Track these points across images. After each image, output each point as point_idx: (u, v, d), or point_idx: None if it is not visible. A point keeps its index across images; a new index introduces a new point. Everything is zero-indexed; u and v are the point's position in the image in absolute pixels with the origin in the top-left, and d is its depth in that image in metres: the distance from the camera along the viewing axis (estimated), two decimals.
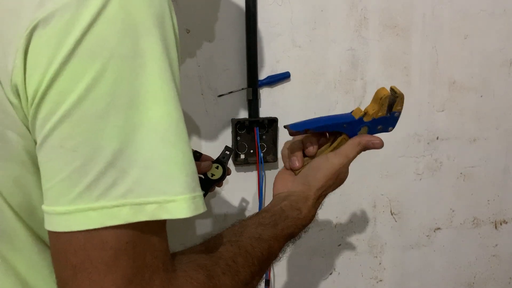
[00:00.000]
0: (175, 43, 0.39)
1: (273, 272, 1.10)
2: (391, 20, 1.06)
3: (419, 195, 1.17)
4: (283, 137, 1.01)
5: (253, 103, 0.99)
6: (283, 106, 1.02)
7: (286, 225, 0.55)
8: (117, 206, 0.35)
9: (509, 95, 1.17)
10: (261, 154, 0.99)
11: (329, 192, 0.61)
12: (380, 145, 0.61)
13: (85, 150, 0.35)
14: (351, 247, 1.15)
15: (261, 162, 0.99)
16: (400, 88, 0.60)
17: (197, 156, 0.83)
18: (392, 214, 1.16)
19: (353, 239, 1.15)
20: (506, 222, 1.25)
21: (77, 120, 0.34)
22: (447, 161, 1.17)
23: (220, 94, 0.98)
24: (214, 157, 0.83)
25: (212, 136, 1.00)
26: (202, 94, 0.98)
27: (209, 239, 0.49)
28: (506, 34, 1.14)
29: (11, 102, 0.36)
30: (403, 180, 1.15)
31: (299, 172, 0.62)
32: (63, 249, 0.35)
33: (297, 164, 0.62)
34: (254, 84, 0.98)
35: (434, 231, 1.20)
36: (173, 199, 0.36)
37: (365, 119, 0.61)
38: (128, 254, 0.35)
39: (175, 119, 0.37)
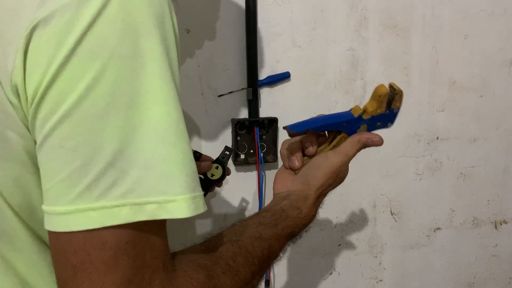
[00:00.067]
0: (175, 43, 0.39)
1: (273, 272, 1.10)
2: (391, 20, 1.06)
3: (419, 195, 1.17)
4: (283, 137, 1.01)
5: (253, 103, 0.99)
6: (283, 106, 1.02)
7: (286, 224, 0.55)
8: (117, 206, 0.35)
9: (509, 95, 1.17)
10: (261, 154, 0.99)
11: (330, 190, 0.60)
12: (379, 142, 0.60)
13: (85, 150, 0.35)
14: (351, 247, 1.15)
15: (261, 162, 0.99)
16: (400, 88, 0.60)
17: (197, 156, 0.83)
18: (392, 214, 1.16)
19: (353, 239, 1.15)
20: (506, 222, 1.25)
21: (77, 120, 0.34)
22: (447, 161, 1.17)
23: (220, 94, 0.98)
24: (214, 157, 0.83)
25: (212, 136, 1.00)
26: (202, 94, 0.98)
27: (209, 239, 0.49)
28: (506, 34, 1.14)
29: (11, 102, 0.36)
30: (403, 180, 1.15)
31: (299, 171, 0.62)
32: (63, 249, 0.35)
33: (296, 164, 0.62)
34: (254, 84, 0.98)
35: (434, 231, 1.20)
36: (173, 199, 0.36)
37: (364, 117, 0.60)
38: (128, 254, 0.35)
39: (175, 119, 0.37)
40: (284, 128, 0.59)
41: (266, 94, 1.01)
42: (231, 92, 0.98)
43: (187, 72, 0.96)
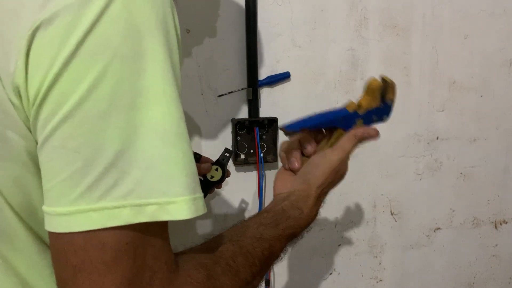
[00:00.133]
0: (177, 43, 0.39)
1: (273, 272, 1.10)
2: (391, 20, 1.06)
3: (419, 195, 1.17)
4: (283, 137, 1.01)
5: (253, 103, 0.99)
6: (283, 106, 1.02)
7: (287, 225, 0.55)
8: (118, 207, 0.35)
9: (509, 95, 1.17)
10: (261, 154, 0.99)
11: (330, 188, 0.60)
12: (376, 135, 0.60)
13: (87, 151, 0.35)
14: (351, 247, 1.15)
15: (261, 162, 0.99)
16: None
17: (197, 158, 0.83)
18: (392, 214, 1.16)
19: (353, 239, 1.15)
20: (506, 222, 1.25)
21: (78, 121, 0.34)
22: (447, 161, 1.17)
23: (220, 94, 0.98)
24: (214, 158, 0.83)
25: (212, 136, 1.00)
26: (202, 94, 0.98)
27: (210, 239, 0.49)
28: (506, 34, 1.14)
29: (12, 103, 0.36)
30: (403, 180, 1.15)
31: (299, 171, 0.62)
32: (63, 250, 0.35)
33: (296, 165, 0.62)
34: (254, 84, 0.98)
35: (434, 231, 1.20)
36: (174, 200, 0.36)
37: (359, 112, 0.60)
38: (129, 255, 0.35)
39: (176, 120, 0.37)
40: (280, 129, 0.59)
41: (266, 94, 1.01)
42: (231, 92, 0.98)
43: (187, 72, 0.96)
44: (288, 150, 0.63)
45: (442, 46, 1.10)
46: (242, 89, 0.99)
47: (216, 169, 0.81)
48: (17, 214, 0.42)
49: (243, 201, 1.05)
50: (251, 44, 0.96)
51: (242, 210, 1.05)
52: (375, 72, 1.06)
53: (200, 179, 0.79)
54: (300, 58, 1.02)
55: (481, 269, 1.26)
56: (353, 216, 1.14)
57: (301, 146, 0.63)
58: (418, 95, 1.11)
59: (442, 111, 1.14)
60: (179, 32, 0.40)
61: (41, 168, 0.37)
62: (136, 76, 0.35)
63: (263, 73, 1.00)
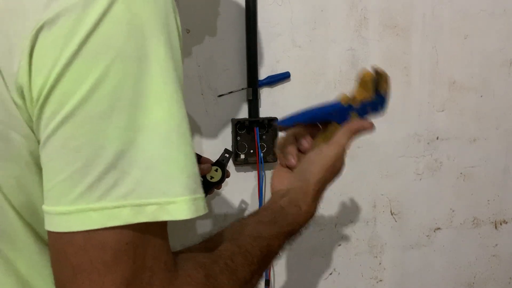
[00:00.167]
0: (179, 44, 0.40)
1: (273, 272, 1.10)
2: (391, 20, 1.06)
3: (419, 195, 1.17)
4: None
5: (253, 103, 0.99)
6: (283, 106, 1.02)
7: (286, 222, 0.54)
8: (118, 207, 0.35)
9: (509, 95, 1.17)
10: (261, 154, 0.99)
11: (328, 184, 0.59)
12: (370, 127, 0.60)
13: (88, 150, 0.35)
14: (351, 247, 1.15)
15: (261, 162, 0.99)
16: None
17: (197, 158, 0.83)
18: (392, 214, 1.16)
19: (353, 239, 1.15)
20: (506, 222, 1.25)
21: (80, 121, 0.34)
22: (447, 161, 1.17)
23: (220, 94, 0.98)
24: (214, 158, 0.83)
25: (212, 136, 1.00)
26: (202, 94, 0.98)
27: (209, 238, 0.49)
28: (506, 34, 1.14)
29: (15, 103, 0.36)
30: (403, 180, 1.15)
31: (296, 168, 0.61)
32: (63, 250, 0.35)
33: (292, 161, 0.61)
34: (254, 84, 0.98)
35: (434, 231, 1.20)
36: (174, 200, 0.36)
37: (353, 105, 0.60)
38: (128, 255, 0.35)
39: (177, 121, 0.37)
40: (274, 124, 0.58)
41: (266, 94, 1.01)
42: (231, 92, 0.98)
43: (187, 72, 0.96)
44: (284, 146, 0.62)
45: (442, 46, 1.10)
46: (242, 89, 0.99)
47: (216, 170, 0.81)
48: (18, 214, 0.42)
49: (243, 201, 1.05)
50: (251, 44, 0.96)
51: (242, 210, 1.05)
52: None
53: None
54: (300, 58, 1.02)
55: (481, 269, 1.26)
56: (353, 216, 1.14)
57: (297, 142, 0.62)
58: (418, 95, 1.11)
59: (442, 111, 1.14)
60: (181, 32, 0.40)
61: (42, 167, 0.37)
62: (138, 77, 0.35)
63: (263, 73, 1.00)
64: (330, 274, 1.16)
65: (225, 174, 0.83)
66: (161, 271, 0.37)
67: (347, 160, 0.60)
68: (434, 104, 1.13)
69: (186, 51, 0.95)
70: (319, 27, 1.02)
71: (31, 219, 0.43)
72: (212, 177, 0.81)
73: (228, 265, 0.44)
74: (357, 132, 0.60)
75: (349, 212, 1.13)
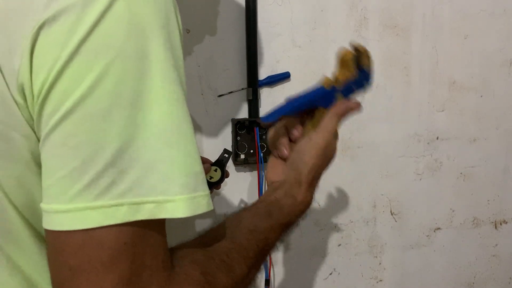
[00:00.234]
0: (180, 42, 0.40)
1: (273, 272, 1.10)
2: (391, 20, 1.06)
3: (419, 195, 1.17)
4: None
5: (253, 103, 0.99)
6: None
7: (282, 214, 0.54)
8: (115, 205, 0.35)
9: (509, 95, 1.17)
10: (261, 154, 0.99)
11: (322, 171, 0.59)
12: (357, 107, 0.59)
13: (87, 148, 0.35)
14: (351, 247, 1.15)
15: (261, 162, 0.99)
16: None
17: None
18: (392, 214, 1.16)
19: (353, 239, 1.15)
20: (506, 222, 1.25)
21: (80, 118, 0.34)
22: (447, 161, 1.17)
23: (220, 94, 0.98)
24: (214, 158, 0.83)
25: (212, 136, 1.00)
26: (202, 94, 0.98)
27: (204, 234, 0.49)
28: (506, 34, 1.14)
29: (16, 102, 0.36)
30: (403, 180, 1.15)
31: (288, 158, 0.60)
32: (61, 249, 0.35)
33: (285, 152, 0.60)
34: (254, 84, 0.98)
35: (434, 231, 1.20)
36: (172, 199, 0.36)
37: (337, 87, 0.58)
38: (127, 254, 0.35)
39: (177, 120, 0.37)
40: (257, 121, 0.57)
41: (266, 94, 1.01)
42: (231, 92, 0.98)
43: (187, 72, 0.95)
44: (276, 137, 0.61)
45: (442, 46, 1.10)
46: (242, 89, 0.99)
47: (215, 170, 0.81)
48: (19, 213, 0.42)
49: (243, 201, 1.05)
50: (251, 44, 0.96)
51: None
52: (375, 72, 1.06)
53: None
54: (300, 58, 1.02)
55: (481, 269, 1.26)
56: (353, 216, 1.14)
57: (288, 132, 0.61)
58: (418, 95, 1.11)
59: (442, 111, 1.14)
60: (181, 31, 0.40)
61: (42, 165, 0.37)
62: (138, 76, 0.36)
63: (263, 73, 1.00)
64: (330, 274, 1.16)
65: (224, 174, 0.83)
66: (159, 270, 0.37)
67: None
68: (434, 104, 1.13)
69: (186, 51, 0.95)
70: (319, 27, 1.02)
71: (32, 219, 0.43)
72: (211, 177, 0.81)
73: (224, 261, 0.44)
74: (343, 114, 0.59)
75: (349, 212, 1.13)
